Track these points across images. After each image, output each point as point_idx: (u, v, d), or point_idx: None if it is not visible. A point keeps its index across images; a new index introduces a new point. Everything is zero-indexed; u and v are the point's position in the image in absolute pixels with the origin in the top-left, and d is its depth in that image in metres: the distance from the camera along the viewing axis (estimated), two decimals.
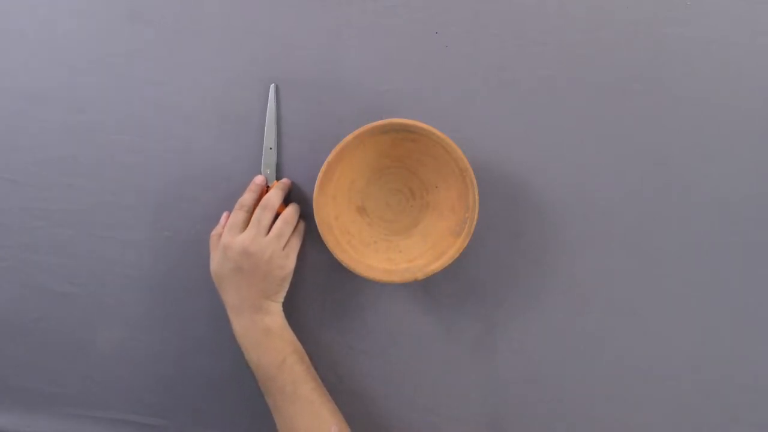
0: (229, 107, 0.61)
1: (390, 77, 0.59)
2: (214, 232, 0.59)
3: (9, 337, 0.66)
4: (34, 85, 0.62)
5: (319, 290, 0.63)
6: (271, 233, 0.56)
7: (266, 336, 0.55)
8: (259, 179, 0.59)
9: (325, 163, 0.54)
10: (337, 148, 0.53)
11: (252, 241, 0.54)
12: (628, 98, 0.58)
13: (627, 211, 0.59)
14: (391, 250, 0.58)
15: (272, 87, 0.60)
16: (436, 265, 0.55)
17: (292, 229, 0.57)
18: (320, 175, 0.54)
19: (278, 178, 0.61)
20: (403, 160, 0.58)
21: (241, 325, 0.56)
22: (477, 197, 0.54)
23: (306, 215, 0.61)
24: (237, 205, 0.57)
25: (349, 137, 0.53)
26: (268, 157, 0.60)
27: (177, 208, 0.63)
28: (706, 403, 0.61)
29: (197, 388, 0.66)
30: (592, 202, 0.59)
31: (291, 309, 0.63)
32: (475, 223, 0.54)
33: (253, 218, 0.56)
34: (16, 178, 0.63)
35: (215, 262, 0.56)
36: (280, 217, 0.57)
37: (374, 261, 0.57)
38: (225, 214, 0.60)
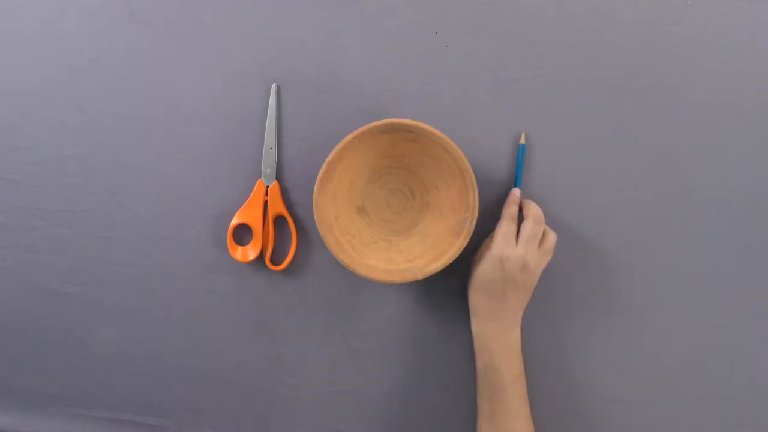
0: (229, 107, 0.61)
1: (390, 77, 0.59)
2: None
3: (9, 337, 0.66)
4: (34, 85, 0.62)
5: (319, 291, 0.63)
6: (543, 248, 0.55)
7: (513, 348, 0.56)
8: (517, 192, 0.57)
9: (325, 163, 0.54)
10: (337, 148, 0.53)
11: (531, 257, 0.54)
12: (628, 98, 0.58)
13: (627, 210, 0.59)
14: (391, 250, 0.58)
15: (273, 87, 0.60)
16: (436, 265, 0.55)
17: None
18: (320, 175, 0.54)
19: (278, 178, 0.61)
20: (403, 160, 0.58)
21: (496, 331, 0.56)
22: (477, 197, 0.54)
23: (306, 215, 0.61)
24: (508, 217, 0.56)
25: (349, 137, 0.53)
26: (269, 157, 0.60)
27: (177, 208, 0.63)
28: (706, 403, 0.61)
29: (197, 388, 0.66)
30: (592, 201, 0.59)
31: (291, 309, 0.63)
32: (475, 223, 0.54)
33: (527, 232, 0.54)
34: (16, 178, 0.63)
35: (485, 269, 0.55)
36: (546, 233, 0.56)
37: (374, 261, 0.57)
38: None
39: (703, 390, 0.61)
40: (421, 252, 0.57)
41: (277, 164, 0.61)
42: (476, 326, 0.57)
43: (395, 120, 0.53)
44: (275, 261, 0.62)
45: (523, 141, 0.58)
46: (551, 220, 0.59)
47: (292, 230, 0.61)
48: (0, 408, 0.68)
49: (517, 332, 0.56)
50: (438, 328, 0.63)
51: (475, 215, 0.54)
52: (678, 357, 0.61)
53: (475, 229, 0.55)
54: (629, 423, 0.62)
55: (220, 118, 0.61)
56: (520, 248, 0.54)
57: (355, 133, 0.53)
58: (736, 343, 0.60)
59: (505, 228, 0.55)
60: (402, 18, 0.58)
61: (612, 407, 0.62)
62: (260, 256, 0.62)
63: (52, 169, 0.63)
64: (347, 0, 0.59)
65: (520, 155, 0.58)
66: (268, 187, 0.61)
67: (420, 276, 0.55)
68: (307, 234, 0.62)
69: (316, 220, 0.55)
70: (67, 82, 0.61)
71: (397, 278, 0.56)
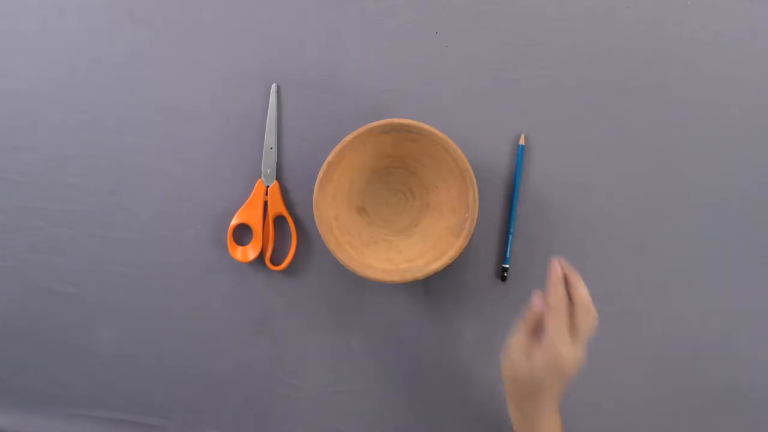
0: (229, 107, 0.61)
1: (390, 77, 0.59)
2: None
3: (9, 337, 0.66)
4: (34, 85, 0.62)
5: (319, 291, 0.63)
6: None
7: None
8: (558, 268, 0.48)
9: (325, 163, 0.54)
10: (337, 148, 0.53)
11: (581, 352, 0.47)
12: (628, 98, 0.58)
13: (627, 210, 0.59)
14: (391, 250, 0.58)
15: (273, 87, 0.60)
16: (436, 265, 0.55)
17: None
18: (320, 175, 0.54)
19: (278, 178, 0.61)
20: (403, 160, 0.58)
21: (549, 423, 0.48)
22: (477, 197, 0.54)
23: (306, 215, 0.62)
24: (557, 307, 0.46)
25: (349, 137, 0.53)
26: (269, 157, 0.60)
27: (177, 208, 0.63)
28: (706, 403, 0.61)
29: (197, 388, 0.66)
30: (592, 201, 0.59)
31: (291, 309, 0.63)
32: (475, 223, 0.54)
33: (584, 326, 0.47)
34: (16, 178, 0.63)
35: (538, 368, 0.46)
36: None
37: (374, 261, 0.57)
38: (541, 299, 0.48)
39: (704, 390, 0.61)
40: (421, 252, 0.57)
41: (277, 164, 0.61)
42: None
43: (395, 120, 0.53)
44: (275, 261, 0.62)
45: (522, 142, 0.58)
46: (551, 220, 0.60)
47: (292, 230, 0.61)
48: (0, 408, 0.68)
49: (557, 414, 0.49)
50: (438, 328, 0.63)
51: (475, 215, 0.54)
52: (678, 357, 0.61)
53: (475, 229, 0.55)
54: (629, 422, 0.62)
55: (220, 118, 0.61)
56: (578, 347, 0.45)
57: (355, 133, 0.53)
58: (736, 343, 0.60)
59: (556, 323, 0.45)
60: (402, 18, 0.58)
61: (612, 406, 0.62)
62: (260, 256, 0.62)
63: (52, 169, 0.63)
64: (347, 0, 0.59)
65: (519, 156, 0.58)
66: (268, 187, 0.61)
67: (420, 276, 0.55)
68: (307, 234, 0.62)
69: (316, 220, 0.55)
70: (67, 82, 0.61)
71: (397, 278, 0.56)
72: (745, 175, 0.58)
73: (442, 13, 0.58)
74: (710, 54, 0.57)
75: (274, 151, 0.60)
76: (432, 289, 0.62)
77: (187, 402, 0.66)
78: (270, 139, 0.60)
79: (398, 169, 0.58)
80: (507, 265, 0.60)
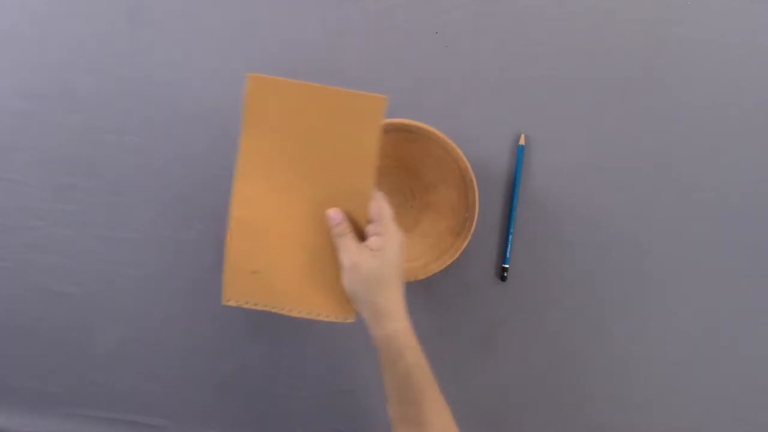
0: (228, 107, 0.61)
1: (390, 77, 0.59)
2: (342, 232, 0.50)
3: (9, 337, 0.66)
4: (34, 85, 0.62)
5: None
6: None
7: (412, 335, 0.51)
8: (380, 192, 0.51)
9: None
10: None
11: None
12: (628, 98, 0.58)
13: (627, 210, 0.59)
14: None
15: None
16: (436, 265, 0.55)
17: None
18: None
19: None
20: (403, 160, 0.58)
21: (401, 324, 0.50)
22: (477, 197, 0.54)
23: None
24: (387, 215, 0.49)
25: None
26: None
27: (177, 208, 0.63)
28: (706, 403, 0.61)
29: (197, 388, 0.66)
30: (592, 201, 0.59)
31: None
32: (475, 223, 0.54)
33: (391, 224, 0.49)
34: (16, 178, 0.63)
35: (369, 266, 0.48)
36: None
37: None
38: (338, 212, 0.50)
39: (704, 389, 0.61)
40: (421, 252, 0.57)
41: None
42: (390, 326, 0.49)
43: (395, 120, 0.53)
44: None
45: (522, 142, 0.58)
46: (551, 220, 0.60)
47: None
48: (0, 408, 0.68)
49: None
50: (438, 328, 0.63)
51: (475, 215, 0.54)
52: (678, 357, 0.61)
53: (475, 229, 0.55)
54: (630, 422, 0.62)
55: (220, 117, 0.61)
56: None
57: None
58: (736, 343, 0.60)
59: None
60: (402, 18, 0.58)
61: (612, 406, 0.62)
62: None
63: (52, 169, 0.63)
64: (347, 0, 0.59)
65: (519, 156, 0.58)
66: None
67: (420, 276, 0.55)
68: None
69: None
70: (67, 82, 0.61)
71: None
72: (745, 175, 0.58)
73: (442, 13, 0.58)
74: (710, 54, 0.57)
75: None
76: (432, 289, 0.62)
77: (187, 402, 0.66)
78: None
79: (398, 169, 0.58)
80: (507, 265, 0.60)
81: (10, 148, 0.63)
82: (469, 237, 0.54)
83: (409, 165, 0.58)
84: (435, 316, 0.62)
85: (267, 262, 0.51)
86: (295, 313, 0.52)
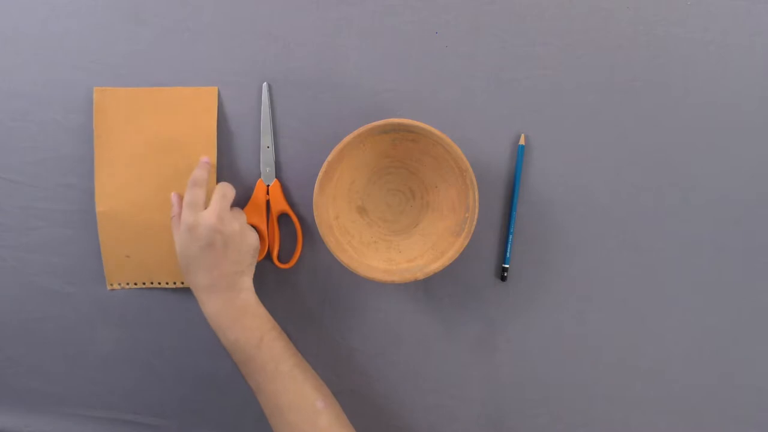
0: (228, 107, 0.61)
1: (390, 77, 0.59)
2: (174, 214, 0.57)
3: (9, 337, 0.66)
4: (34, 85, 0.62)
5: (319, 290, 0.63)
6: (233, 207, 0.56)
7: (243, 314, 0.54)
8: (206, 157, 0.58)
9: (325, 162, 0.54)
10: (337, 147, 0.53)
11: (219, 216, 0.53)
12: (628, 98, 0.58)
13: (627, 210, 0.59)
14: (391, 250, 0.59)
15: (264, 86, 0.59)
16: (436, 265, 0.55)
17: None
18: (320, 175, 0.54)
19: (278, 177, 0.61)
20: (403, 160, 0.58)
21: (215, 305, 0.54)
22: (477, 197, 0.54)
23: (306, 215, 0.61)
24: (191, 183, 0.55)
25: (349, 137, 0.53)
26: (267, 156, 0.60)
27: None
28: (706, 403, 0.61)
29: (197, 388, 0.66)
30: (592, 201, 0.59)
31: (291, 308, 0.63)
32: (475, 223, 0.54)
33: (215, 194, 0.54)
34: (16, 178, 0.63)
35: (181, 244, 0.54)
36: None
37: (374, 261, 0.57)
38: (175, 196, 0.58)
39: (704, 389, 0.61)
40: (421, 252, 0.57)
41: (277, 164, 0.61)
42: (205, 309, 0.54)
43: (395, 120, 0.53)
44: (282, 259, 0.62)
45: (522, 142, 0.58)
46: (551, 220, 0.60)
47: (297, 228, 0.61)
48: (0, 408, 0.68)
49: (243, 296, 0.55)
50: (438, 328, 0.63)
51: (475, 215, 0.54)
52: (678, 357, 0.61)
53: (475, 229, 0.55)
54: (629, 422, 0.62)
55: (219, 117, 0.61)
56: (208, 211, 0.53)
57: (355, 133, 0.53)
58: (736, 343, 0.61)
59: (190, 196, 0.54)
60: (402, 18, 0.58)
61: (611, 406, 0.62)
62: (267, 255, 0.62)
63: (52, 169, 0.63)
64: (347, 0, 0.59)
65: (519, 156, 0.58)
66: (268, 186, 0.61)
67: (420, 276, 0.55)
68: (308, 232, 0.62)
69: (317, 220, 0.55)
70: (67, 82, 0.61)
71: (397, 278, 0.56)
72: (745, 175, 0.58)
73: (442, 13, 0.58)
74: (710, 54, 0.57)
75: (272, 150, 0.60)
76: (432, 289, 0.62)
77: (187, 402, 0.66)
78: (266, 138, 0.60)
79: (398, 169, 0.58)
80: (507, 265, 0.60)
81: (10, 148, 0.63)
82: (469, 237, 0.54)
83: (409, 165, 0.58)
84: (435, 316, 0.62)
85: (136, 245, 0.61)
86: (171, 285, 0.62)
